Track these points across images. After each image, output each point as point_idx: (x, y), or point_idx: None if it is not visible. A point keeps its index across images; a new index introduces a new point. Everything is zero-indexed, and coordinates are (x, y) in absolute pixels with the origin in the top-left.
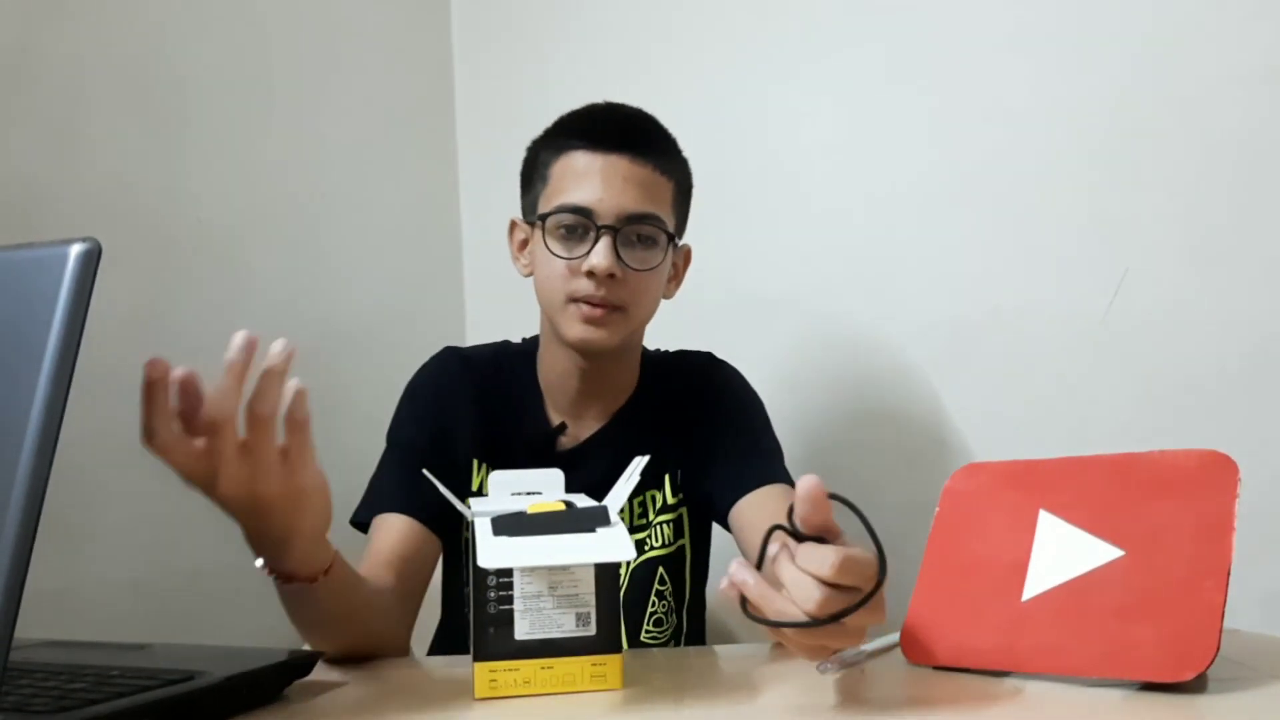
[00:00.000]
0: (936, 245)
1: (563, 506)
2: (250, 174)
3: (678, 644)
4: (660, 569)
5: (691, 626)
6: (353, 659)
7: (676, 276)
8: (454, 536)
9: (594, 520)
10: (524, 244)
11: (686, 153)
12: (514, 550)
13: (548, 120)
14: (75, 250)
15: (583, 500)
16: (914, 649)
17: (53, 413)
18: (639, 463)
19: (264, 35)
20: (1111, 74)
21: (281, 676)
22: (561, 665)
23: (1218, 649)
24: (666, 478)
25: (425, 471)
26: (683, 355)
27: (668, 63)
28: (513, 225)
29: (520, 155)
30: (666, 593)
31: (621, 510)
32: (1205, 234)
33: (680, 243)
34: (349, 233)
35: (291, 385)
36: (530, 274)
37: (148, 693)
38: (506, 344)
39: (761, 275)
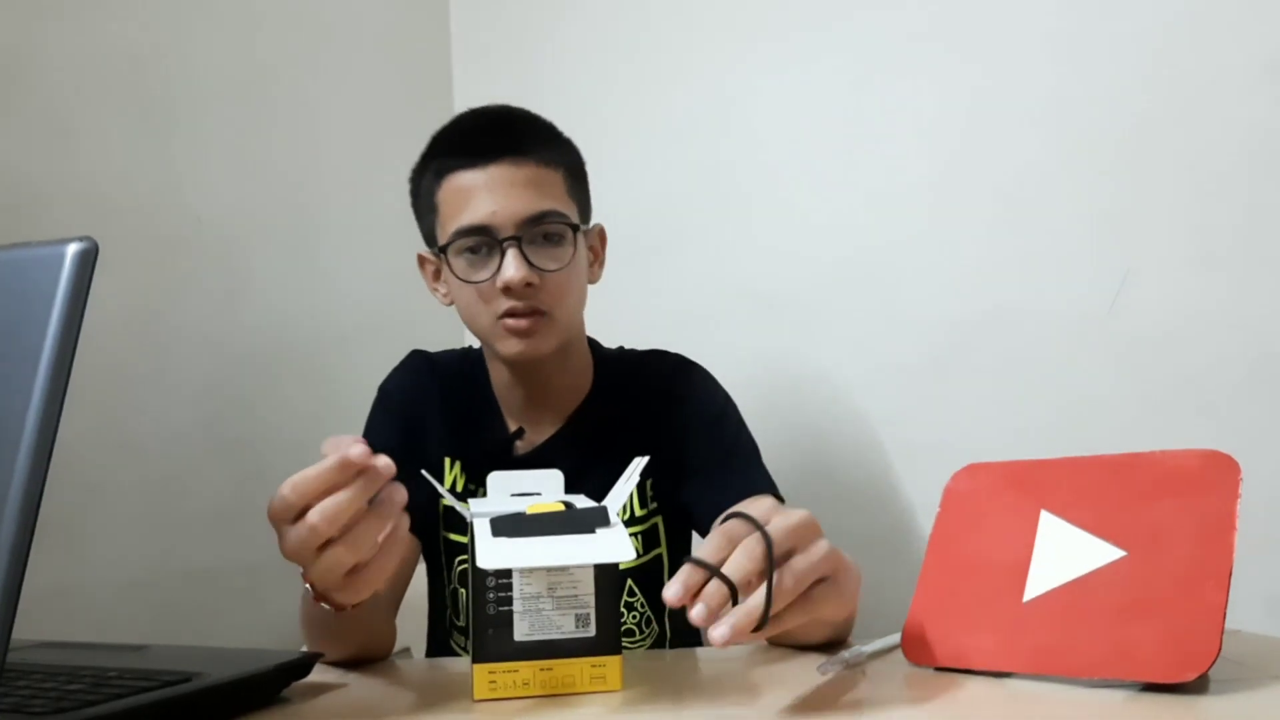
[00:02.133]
0: (937, 244)
1: (562, 507)
2: (249, 173)
3: (663, 648)
4: (629, 581)
5: (680, 633)
6: (346, 664)
7: (598, 259)
8: (432, 539)
9: (593, 521)
10: (437, 274)
11: (685, 152)
12: (513, 551)
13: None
14: (72, 249)
15: (582, 501)
16: (915, 649)
17: (50, 412)
18: (639, 463)
19: (263, 35)
20: (1112, 72)
21: (280, 678)
22: (561, 666)
23: (1219, 650)
24: (636, 488)
25: (424, 473)
26: (649, 356)
27: (665, 62)
28: (421, 260)
29: None
30: (638, 604)
31: None
32: (1207, 234)
33: (590, 224)
34: (348, 233)
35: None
36: (451, 303)
37: (145, 694)
38: (469, 350)
39: (761, 274)
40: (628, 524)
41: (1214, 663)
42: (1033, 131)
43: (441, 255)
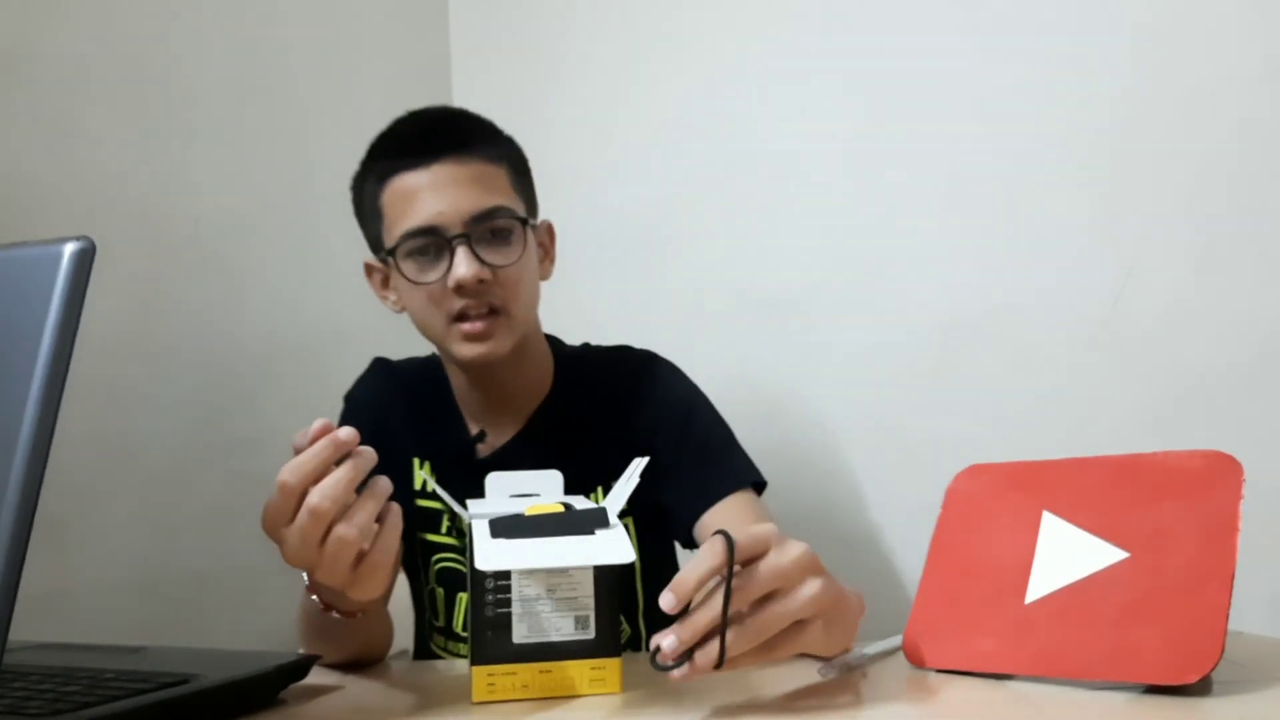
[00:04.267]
0: (939, 245)
1: (561, 508)
2: (247, 173)
3: (635, 651)
4: None
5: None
6: (344, 666)
7: (548, 255)
8: (407, 541)
9: (592, 522)
10: (385, 281)
11: (685, 153)
12: (512, 552)
13: (545, 121)
14: (70, 249)
15: (581, 502)
16: (916, 652)
17: (47, 412)
18: (639, 464)
19: (262, 35)
20: (1114, 72)
21: (278, 680)
22: (560, 669)
23: (1222, 651)
24: (600, 490)
25: (424, 473)
26: (614, 353)
27: (667, 63)
28: (369, 269)
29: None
30: None
31: None
32: (1209, 234)
33: (538, 220)
34: (346, 233)
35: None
36: (402, 310)
37: (143, 696)
38: (433, 356)
39: (762, 275)
40: None
41: (1217, 664)
42: (1033, 131)
43: (390, 260)
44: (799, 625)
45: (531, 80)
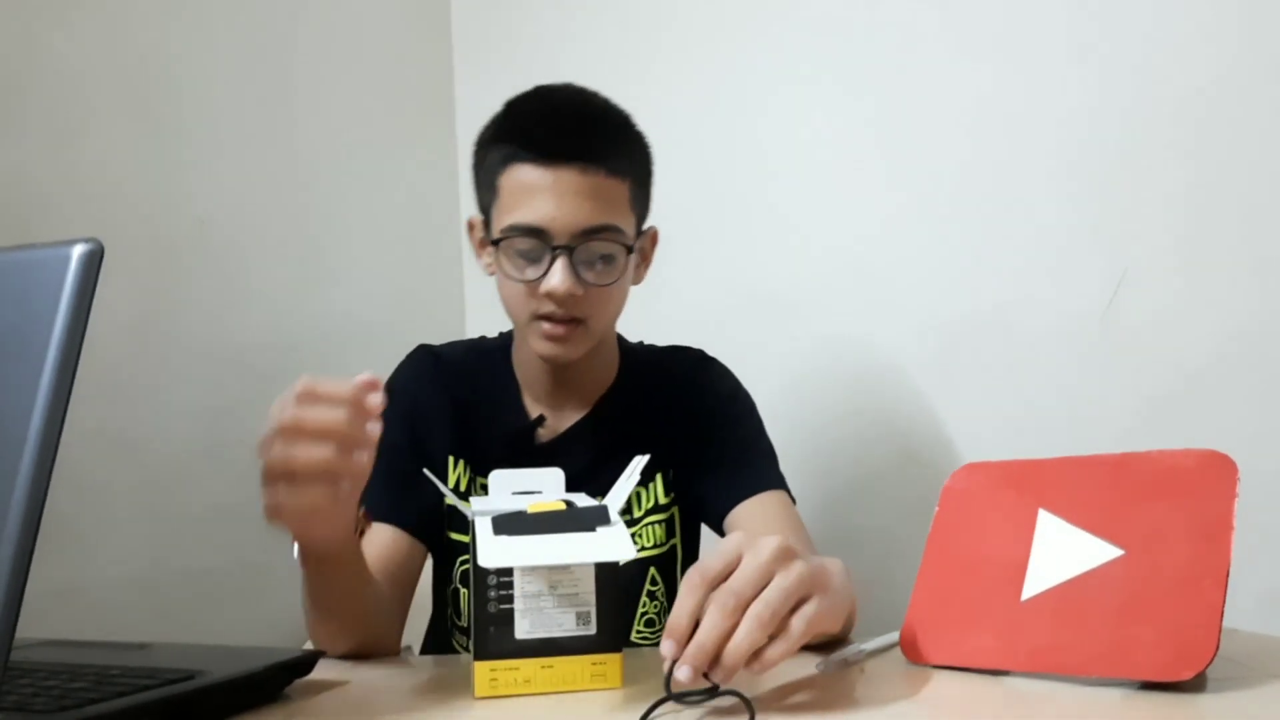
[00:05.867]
0: (936, 244)
1: (563, 506)
2: (250, 174)
3: None
4: (652, 569)
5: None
6: (351, 657)
7: (645, 260)
8: (439, 539)
9: (594, 519)
10: (484, 242)
11: (686, 154)
12: (514, 549)
13: None
14: (78, 251)
15: (583, 499)
16: (913, 648)
17: (54, 413)
18: (639, 462)
19: (264, 36)
20: (1110, 73)
21: (282, 676)
22: (562, 664)
23: (1217, 648)
24: (659, 476)
25: (426, 471)
26: (673, 350)
27: (668, 62)
28: (471, 225)
29: None
30: (659, 593)
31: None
32: (1204, 233)
33: (645, 228)
34: (349, 233)
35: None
36: (494, 274)
37: (148, 692)
38: (482, 339)
39: (762, 275)
40: (650, 513)
41: (1211, 661)
42: (1032, 133)
43: (494, 245)
44: (802, 604)
45: (533, 81)
